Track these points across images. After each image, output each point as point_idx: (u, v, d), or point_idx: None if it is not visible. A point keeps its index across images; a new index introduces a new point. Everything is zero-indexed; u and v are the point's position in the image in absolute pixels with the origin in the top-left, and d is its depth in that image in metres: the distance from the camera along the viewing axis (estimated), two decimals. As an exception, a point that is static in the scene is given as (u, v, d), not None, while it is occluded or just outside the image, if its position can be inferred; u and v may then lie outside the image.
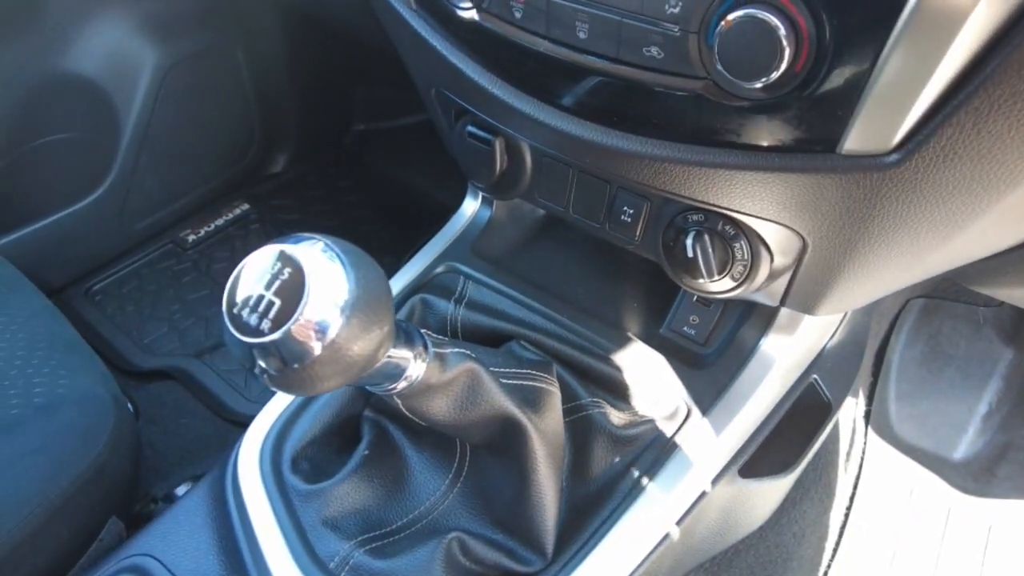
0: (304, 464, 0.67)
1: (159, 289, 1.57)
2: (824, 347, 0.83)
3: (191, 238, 1.67)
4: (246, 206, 1.73)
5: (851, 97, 0.45)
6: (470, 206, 0.92)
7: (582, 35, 0.52)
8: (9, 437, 0.67)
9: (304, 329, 0.37)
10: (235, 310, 0.38)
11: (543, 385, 0.62)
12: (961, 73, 0.42)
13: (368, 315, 0.38)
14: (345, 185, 1.83)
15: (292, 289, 0.37)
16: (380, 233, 1.69)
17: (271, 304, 0.37)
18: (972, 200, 0.49)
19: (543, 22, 0.54)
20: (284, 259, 0.38)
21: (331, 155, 1.89)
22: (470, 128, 0.71)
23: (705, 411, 0.71)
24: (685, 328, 0.79)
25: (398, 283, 0.85)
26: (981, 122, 0.43)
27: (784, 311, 0.74)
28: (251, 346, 0.38)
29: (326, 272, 0.38)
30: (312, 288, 0.37)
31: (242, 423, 1.28)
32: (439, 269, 0.85)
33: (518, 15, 0.55)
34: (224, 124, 1.64)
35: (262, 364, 0.38)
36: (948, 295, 1.31)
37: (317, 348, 0.37)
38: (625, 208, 0.67)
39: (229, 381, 1.37)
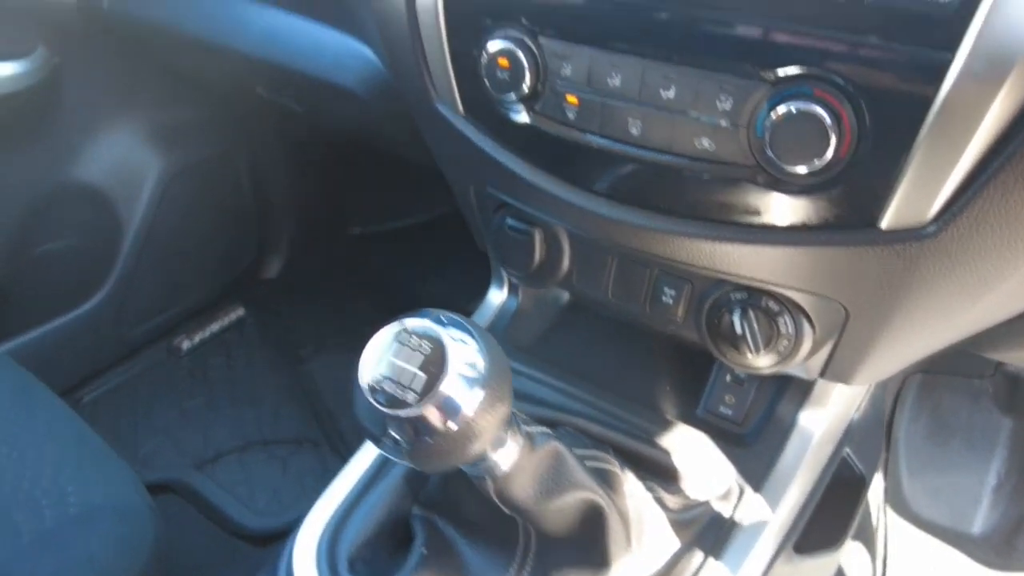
0: (360, 566, 0.65)
1: (154, 398, 1.54)
2: (852, 421, 0.85)
3: (186, 345, 1.65)
4: (242, 311, 1.73)
5: (890, 178, 0.50)
6: (496, 296, 0.95)
7: (635, 131, 0.57)
8: (49, 550, 0.64)
9: (444, 402, 0.38)
10: (373, 382, 0.39)
11: (610, 467, 0.62)
12: (988, 151, 0.47)
13: (498, 390, 0.40)
14: (342, 289, 1.85)
15: (432, 363, 0.39)
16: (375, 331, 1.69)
17: (413, 376, 0.39)
18: (1000, 263, 0.54)
19: (597, 121, 0.59)
20: (420, 334, 0.40)
21: (327, 258, 1.92)
22: (510, 221, 0.75)
23: (757, 489, 0.71)
24: (721, 408, 0.81)
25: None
26: (1008, 193, 0.48)
27: (818, 384, 0.77)
28: (391, 418, 0.38)
29: (463, 347, 0.39)
30: (452, 362, 0.39)
31: (249, 537, 1.23)
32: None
33: (571, 116, 0.60)
34: (222, 229, 1.67)
35: (395, 435, 0.39)
36: (943, 369, 1.36)
37: (453, 421, 0.38)
38: (667, 290, 0.70)
39: (233, 493, 1.32)
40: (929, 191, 0.49)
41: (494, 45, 0.59)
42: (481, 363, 0.40)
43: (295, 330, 1.64)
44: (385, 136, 1.00)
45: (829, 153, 0.49)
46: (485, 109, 0.66)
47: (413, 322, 0.41)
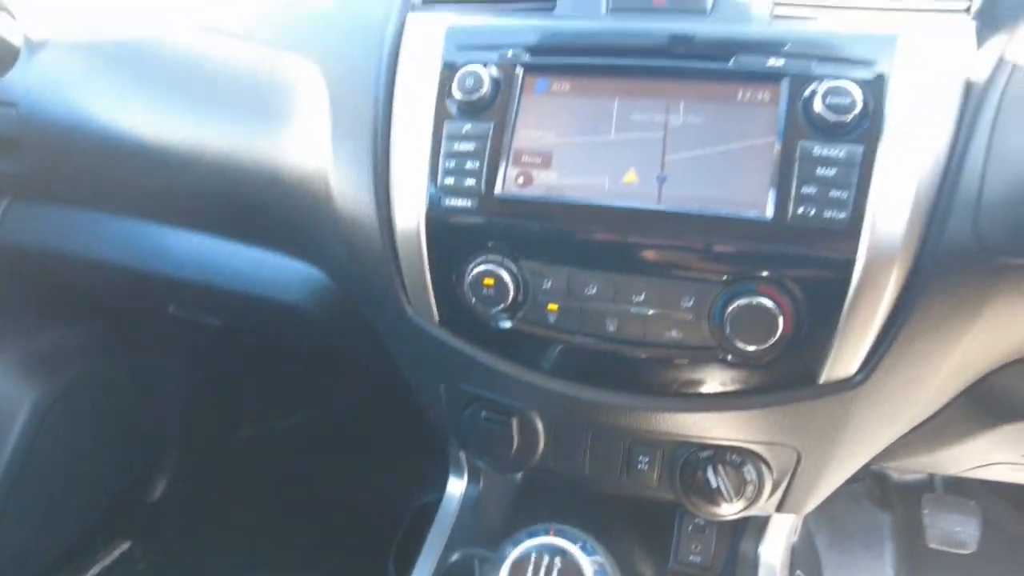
0: None
1: None
2: (794, 545, 0.95)
3: (59, 604, 1.41)
4: (127, 545, 1.53)
5: (825, 344, 0.63)
6: (457, 487, 0.96)
7: (611, 328, 0.67)
8: None
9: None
10: None
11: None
12: (891, 316, 0.62)
13: None
14: (239, 500, 1.70)
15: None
16: (295, 546, 1.56)
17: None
18: (911, 395, 0.69)
19: (576, 323, 0.68)
20: (551, 551, 0.43)
21: (217, 469, 1.78)
22: (485, 413, 0.80)
23: (750, 630, 0.77)
24: (691, 557, 0.87)
25: (415, 585, 0.84)
26: (909, 344, 0.63)
27: (771, 518, 0.87)
28: None
29: (588, 559, 0.43)
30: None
31: None
32: (454, 558, 0.86)
33: (552, 320, 0.68)
34: (101, 454, 1.51)
35: None
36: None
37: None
38: (641, 458, 0.78)
39: None
40: (854, 350, 0.63)
41: (478, 268, 0.68)
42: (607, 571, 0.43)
43: (194, 556, 1.46)
44: (328, 344, 1.02)
45: (777, 333, 0.62)
46: (464, 319, 0.72)
47: (538, 541, 0.44)
